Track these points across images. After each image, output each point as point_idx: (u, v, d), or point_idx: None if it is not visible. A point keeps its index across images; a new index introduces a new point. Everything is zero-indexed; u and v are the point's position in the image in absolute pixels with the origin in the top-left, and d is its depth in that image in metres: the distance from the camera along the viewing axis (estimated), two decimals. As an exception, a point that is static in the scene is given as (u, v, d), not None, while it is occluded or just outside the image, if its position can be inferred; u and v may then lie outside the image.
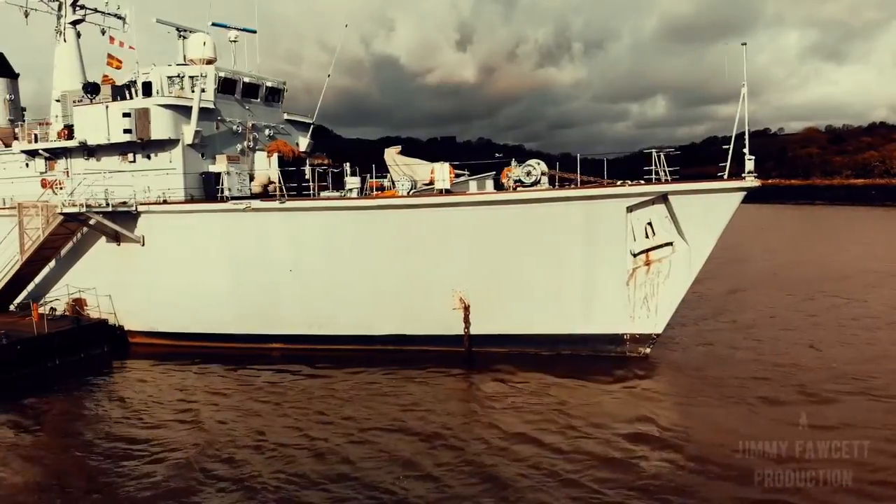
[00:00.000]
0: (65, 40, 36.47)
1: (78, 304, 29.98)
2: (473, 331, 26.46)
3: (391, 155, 29.53)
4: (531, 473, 16.09)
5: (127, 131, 28.54)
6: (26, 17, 35.93)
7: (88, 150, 30.93)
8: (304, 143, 35.68)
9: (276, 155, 32.29)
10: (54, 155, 32.05)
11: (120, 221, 28.21)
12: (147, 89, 30.22)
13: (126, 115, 28.45)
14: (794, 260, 54.34)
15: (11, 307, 31.81)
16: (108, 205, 27.46)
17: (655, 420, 19.50)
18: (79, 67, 36.90)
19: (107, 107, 29.43)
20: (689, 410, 20.62)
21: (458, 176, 27.70)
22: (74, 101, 33.06)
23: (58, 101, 35.04)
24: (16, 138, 37.44)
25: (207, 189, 29.54)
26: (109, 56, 38.09)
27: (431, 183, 27.89)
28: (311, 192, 31.15)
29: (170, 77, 30.16)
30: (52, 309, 30.89)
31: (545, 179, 26.48)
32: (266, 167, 31.90)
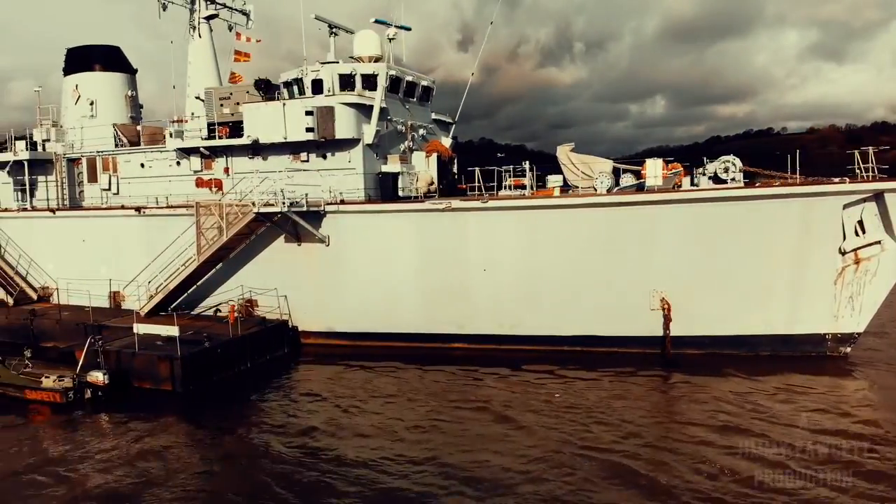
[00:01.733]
0: (199, 36, 35.99)
1: (250, 304, 29.49)
2: (674, 332, 26.23)
3: (565, 152, 29.27)
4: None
5: (309, 130, 28.09)
6: (164, 9, 35.38)
7: (254, 149, 30.43)
8: (446, 142, 35.36)
9: (434, 155, 32.04)
10: (213, 153, 31.51)
11: (308, 221, 27.75)
12: (317, 87, 29.82)
13: (308, 113, 27.99)
14: None
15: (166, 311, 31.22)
16: (304, 205, 26.94)
17: None
18: (213, 64, 36.49)
19: (284, 104, 28.96)
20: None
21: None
22: (221, 99, 32.67)
23: (198, 98, 34.55)
24: (138, 136, 37.09)
25: (384, 189, 29.18)
26: (236, 52, 37.79)
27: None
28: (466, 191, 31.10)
29: (341, 75, 29.73)
30: (217, 310, 30.40)
31: (740, 176, 26.42)
32: (425, 167, 31.66)
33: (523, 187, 29.41)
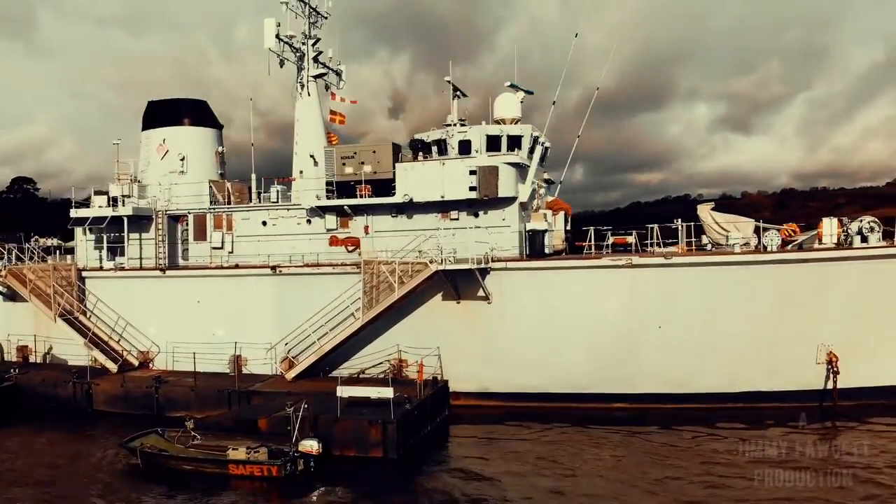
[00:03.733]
0: (308, 94, 35.59)
1: (402, 364, 28.70)
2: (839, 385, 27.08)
3: (706, 212, 30.21)
4: None
5: (472, 188, 28.26)
6: (281, 66, 34.87)
7: (399, 208, 30.19)
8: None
9: (562, 212, 32.68)
10: (353, 212, 30.98)
11: (474, 279, 27.53)
12: (464, 148, 30.08)
13: (472, 172, 28.19)
14: None
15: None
16: (483, 261, 26.81)
17: None
18: (321, 123, 36.03)
19: (443, 164, 29.03)
20: None
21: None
22: (343, 158, 32.41)
23: (311, 156, 34.04)
24: (228, 193, 36.05)
25: (532, 246, 29.46)
26: (332, 112, 37.59)
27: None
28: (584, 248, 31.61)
29: (489, 136, 30.11)
30: (362, 372, 29.38)
31: (878, 236, 28.16)
32: (552, 224, 32.21)
33: (627, 245, 30.19)
